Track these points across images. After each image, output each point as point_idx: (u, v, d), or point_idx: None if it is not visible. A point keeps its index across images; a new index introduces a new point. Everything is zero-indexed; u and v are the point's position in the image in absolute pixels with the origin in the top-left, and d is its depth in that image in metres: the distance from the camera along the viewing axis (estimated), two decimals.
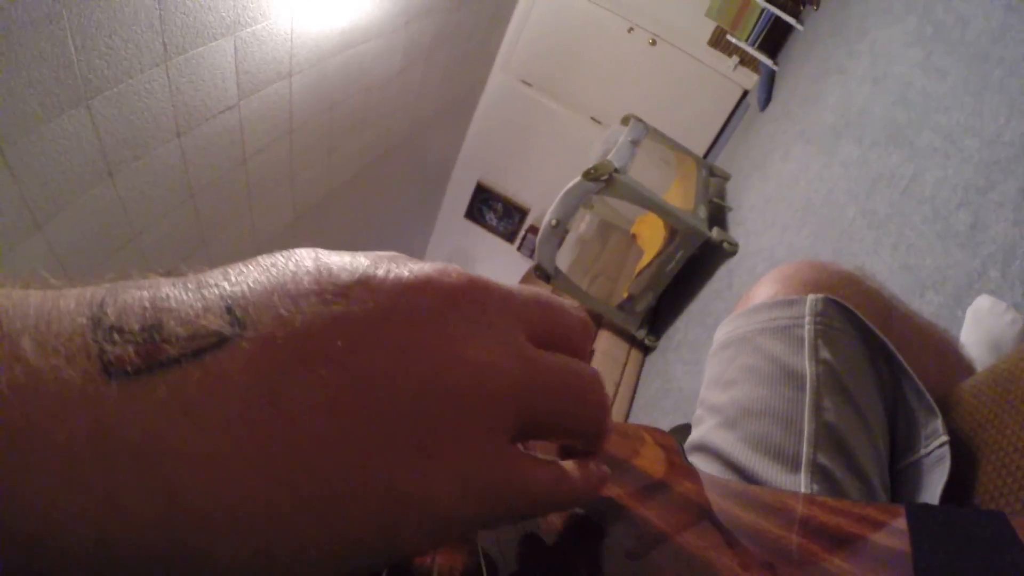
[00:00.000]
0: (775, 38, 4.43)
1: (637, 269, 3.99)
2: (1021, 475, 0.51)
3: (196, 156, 2.34)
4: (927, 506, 0.28)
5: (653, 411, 3.20)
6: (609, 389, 3.63)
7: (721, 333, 0.72)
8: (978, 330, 1.26)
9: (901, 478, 0.58)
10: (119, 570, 0.17)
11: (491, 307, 0.24)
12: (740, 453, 0.57)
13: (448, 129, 5.56)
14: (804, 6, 4.21)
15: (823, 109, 3.05)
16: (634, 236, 4.66)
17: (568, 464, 0.27)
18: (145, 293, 0.19)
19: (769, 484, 0.54)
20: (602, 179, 3.35)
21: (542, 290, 0.26)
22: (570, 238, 5.05)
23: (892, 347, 0.60)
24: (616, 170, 3.37)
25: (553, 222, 3.47)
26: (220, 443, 0.17)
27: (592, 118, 5.77)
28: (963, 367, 0.83)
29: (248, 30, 2.23)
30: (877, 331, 0.60)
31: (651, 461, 0.46)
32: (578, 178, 3.38)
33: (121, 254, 2.21)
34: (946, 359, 0.81)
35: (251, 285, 0.20)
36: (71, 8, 1.52)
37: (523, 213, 6.57)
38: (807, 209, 2.61)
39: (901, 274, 1.70)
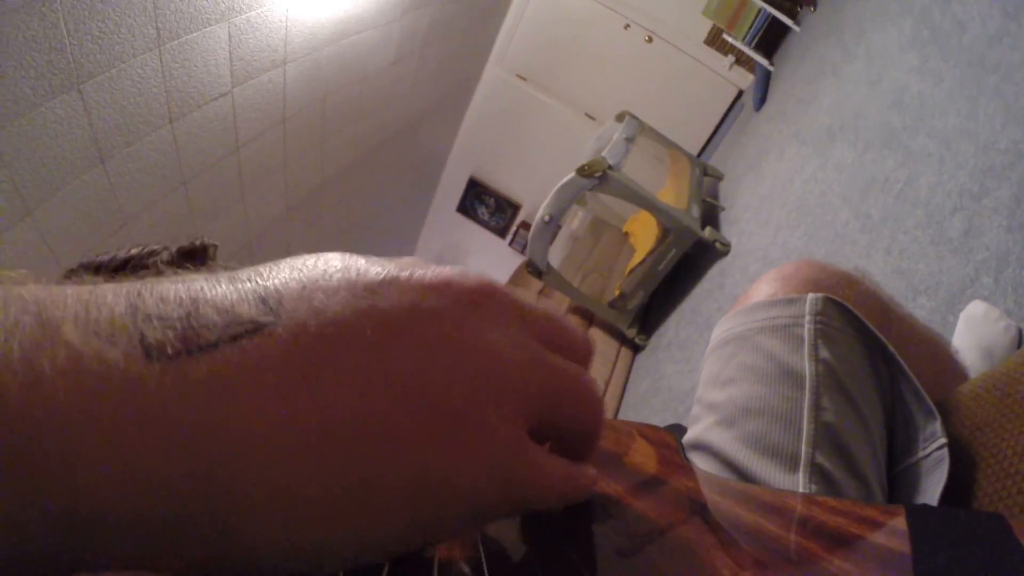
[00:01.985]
0: (771, 38, 4.44)
1: (629, 267, 4.00)
2: (1021, 479, 0.51)
3: (188, 143, 2.32)
4: (926, 507, 0.29)
5: (642, 409, 3.21)
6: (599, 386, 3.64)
7: (719, 331, 0.72)
8: (971, 336, 1.27)
9: (899, 480, 0.58)
10: (155, 542, 0.17)
11: (506, 309, 0.25)
12: (738, 452, 0.57)
13: (442, 122, 5.55)
14: (801, 7, 4.22)
15: (818, 111, 3.06)
16: (626, 234, 4.66)
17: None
18: (180, 286, 0.20)
19: (767, 483, 0.54)
20: (596, 176, 3.34)
21: (552, 308, 0.27)
22: (562, 234, 5.05)
23: (891, 348, 0.60)
24: (610, 167, 3.37)
25: (546, 218, 3.47)
26: (257, 423, 0.18)
27: (586, 114, 5.76)
28: (957, 372, 0.83)
29: (243, 16, 2.21)
30: (877, 332, 0.60)
31: (647, 458, 0.46)
32: (572, 174, 3.37)
33: (111, 241, 2.18)
34: (941, 363, 0.81)
35: (284, 279, 0.22)
36: None
37: (515, 208, 6.56)
38: (801, 210, 2.62)
39: (894, 278, 1.70)
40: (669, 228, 3.48)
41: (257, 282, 0.21)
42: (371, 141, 4.02)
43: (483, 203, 6.65)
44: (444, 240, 6.91)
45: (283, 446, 0.18)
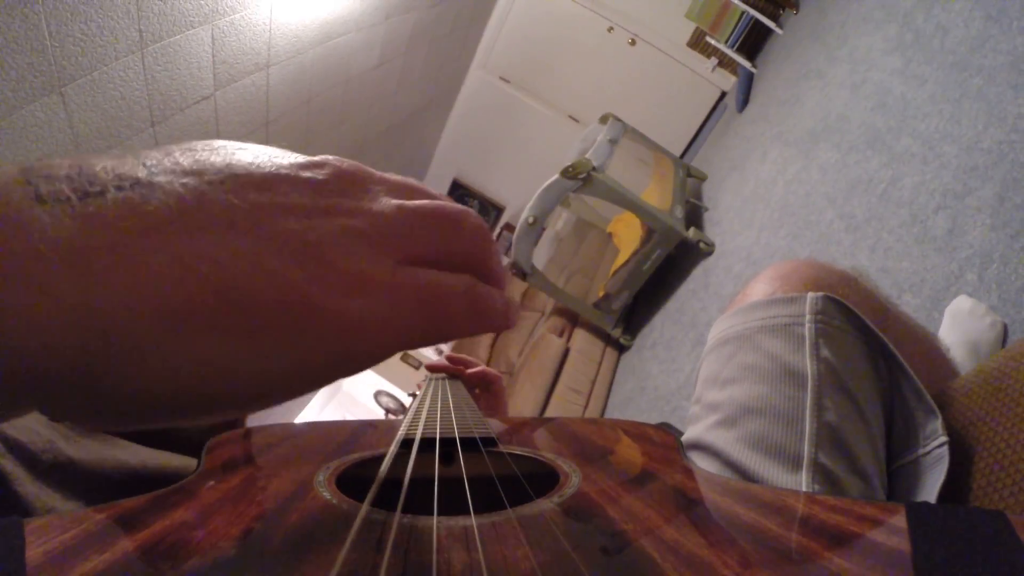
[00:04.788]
0: (754, 41, 4.48)
1: (613, 268, 4.01)
2: (1014, 471, 0.52)
3: None
4: (927, 505, 0.28)
5: (628, 409, 3.22)
6: (584, 387, 3.64)
7: (717, 330, 0.71)
8: (957, 331, 1.28)
9: (898, 476, 0.58)
10: (63, 364, 0.19)
11: (359, 183, 0.28)
12: (739, 452, 0.56)
13: (425, 124, 5.54)
14: (783, 10, 4.26)
15: (801, 112, 3.08)
16: (611, 235, 4.67)
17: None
18: (70, 159, 0.22)
19: (769, 483, 0.53)
20: (580, 177, 3.35)
21: (426, 202, 0.29)
22: (547, 236, 5.06)
23: (892, 347, 0.60)
24: (594, 168, 3.38)
25: (530, 219, 3.47)
26: (142, 246, 0.20)
27: (570, 116, 5.78)
28: (949, 370, 0.84)
29: (226, 19, 2.19)
30: (877, 331, 0.60)
31: (647, 457, 0.46)
32: (556, 176, 3.38)
33: None
34: (935, 361, 0.82)
35: (165, 150, 0.24)
36: None
37: (499, 210, 6.56)
38: (784, 211, 2.64)
39: (879, 277, 1.72)
40: (653, 229, 3.49)
41: (137, 153, 0.23)
42: (355, 144, 4.00)
43: (467, 205, 6.63)
44: None
45: (166, 266, 0.20)
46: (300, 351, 0.23)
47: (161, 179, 0.22)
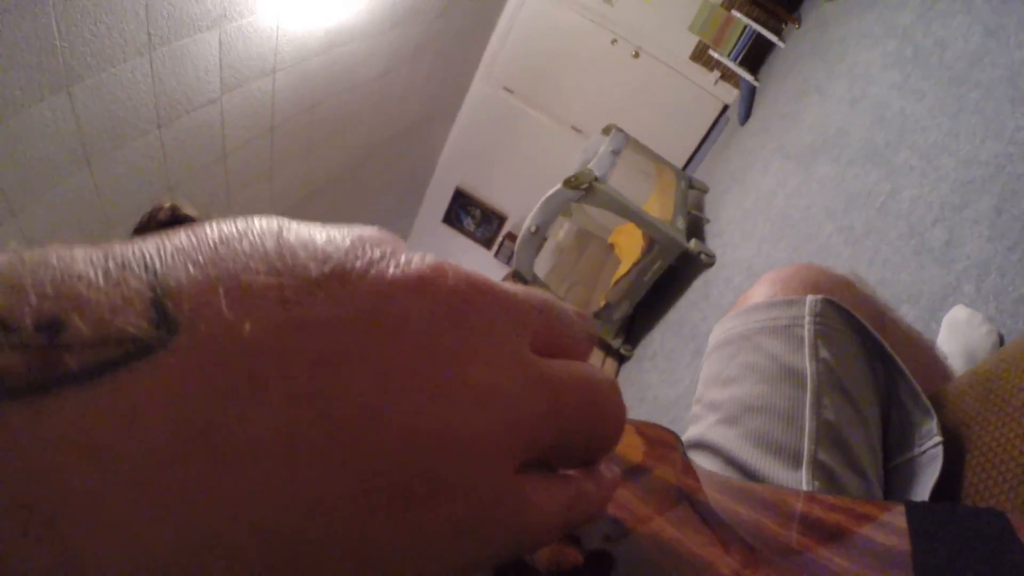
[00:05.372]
0: (756, 54, 4.50)
1: (614, 278, 4.01)
2: (1006, 470, 0.53)
3: (176, 149, 2.31)
4: (927, 504, 0.28)
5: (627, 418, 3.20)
6: None
7: (718, 332, 0.73)
8: (954, 340, 1.29)
9: (894, 475, 0.59)
10: None
11: (495, 316, 0.19)
12: (741, 450, 0.57)
13: (429, 133, 5.55)
14: (786, 24, 4.28)
15: (802, 126, 3.09)
16: (612, 245, 4.68)
17: (577, 474, 0.22)
18: (50, 272, 0.14)
19: (770, 481, 0.54)
20: (582, 187, 3.36)
21: (544, 292, 0.22)
22: (548, 245, 5.05)
23: (889, 348, 0.61)
24: (596, 179, 3.39)
25: (532, 229, 3.48)
26: (130, 492, 0.13)
27: (573, 127, 5.79)
28: (945, 375, 0.85)
29: (234, 24, 2.21)
30: (875, 333, 0.62)
31: (646, 456, 0.46)
32: (559, 186, 3.39)
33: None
34: (931, 364, 0.83)
35: (190, 270, 0.15)
36: None
37: (501, 219, 6.56)
38: (784, 223, 2.65)
39: (878, 288, 1.72)
40: (655, 240, 3.50)
41: (155, 271, 0.15)
42: (358, 151, 4.01)
43: (469, 214, 6.65)
44: (429, 251, 6.85)
45: (165, 522, 0.13)
46: None
47: (180, 341, 0.14)
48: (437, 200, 6.62)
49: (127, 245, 0.16)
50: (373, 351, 0.16)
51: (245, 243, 0.16)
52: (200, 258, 0.16)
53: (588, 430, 0.21)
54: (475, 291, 0.19)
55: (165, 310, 0.14)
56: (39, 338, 0.13)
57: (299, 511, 0.14)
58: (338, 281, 0.16)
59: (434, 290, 0.18)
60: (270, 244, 0.17)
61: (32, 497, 0.12)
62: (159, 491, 0.13)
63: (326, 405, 0.15)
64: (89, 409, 0.13)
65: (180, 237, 0.16)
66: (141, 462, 0.13)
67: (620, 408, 0.22)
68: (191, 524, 0.13)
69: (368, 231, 0.19)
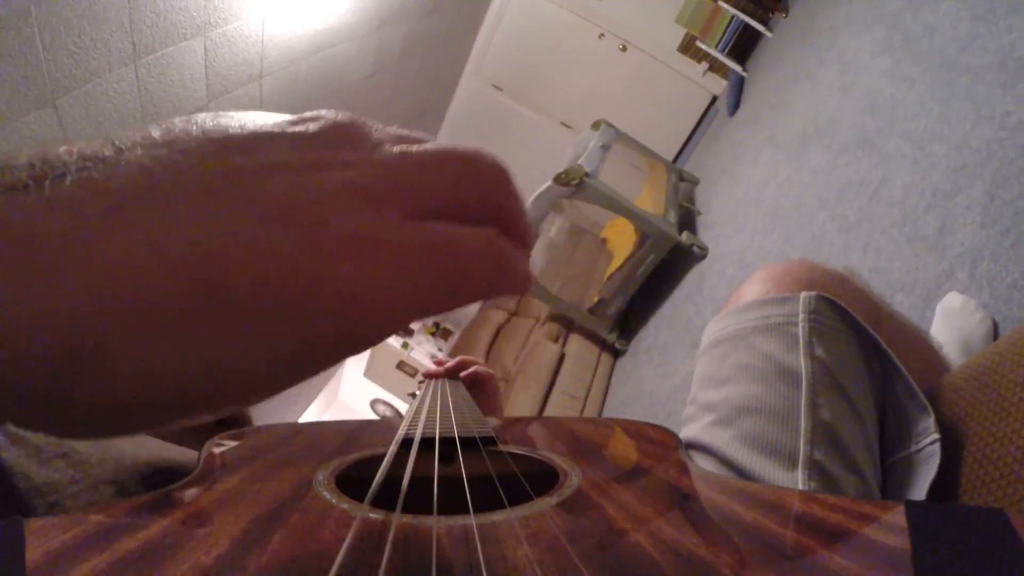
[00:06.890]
0: (744, 45, 4.50)
1: (607, 273, 4.01)
2: (1002, 464, 0.52)
3: None
4: (927, 504, 0.28)
5: (624, 413, 3.21)
6: (580, 392, 3.63)
7: (711, 331, 0.72)
8: (948, 328, 1.29)
9: (891, 473, 0.58)
10: (24, 376, 0.17)
11: (367, 133, 0.25)
12: (736, 451, 0.57)
13: (419, 132, 5.54)
14: (772, 13, 4.28)
15: (792, 115, 3.09)
16: (604, 240, 4.68)
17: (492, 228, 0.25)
18: (36, 148, 0.20)
19: (766, 481, 0.54)
20: (573, 183, 3.36)
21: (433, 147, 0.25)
22: (540, 242, 5.05)
23: (885, 345, 0.60)
24: (587, 174, 3.38)
25: None
26: (101, 230, 0.18)
27: (562, 123, 5.78)
28: (941, 367, 0.84)
29: (219, 31, 2.19)
30: (870, 329, 0.61)
31: (645, 456, 0.46)
32: (549, 182, 3.38)
33: None
34: (927, 359, 0.82)
35: (140, 128, 0.21)
36: (40, 5, 1.48)
37: None
38: (776, 213, 2.65)
39: (871, 277, 1.72)
40: (647, 234, 3.50)
41: (105, 134, 0.20)
42: None
43: None
44: None
45: (127, 249, 0.18)
46: (297, 334, 0.20)
47: (129, 155, 0.19)
48: None
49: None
50: (267, 146, 0.22)
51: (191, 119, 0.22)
52: (147, 125, 0.22)
53: (463, 186, 0.25)
54: (345, 120, 0.25)
55: (116, 143, 0.20)
56: (31, 166, 0.19)
57: (223, 236, 0.19)
58: (255, 130, 0.23)
59: (312, 116, 0.24)
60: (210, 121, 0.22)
61: (23, 239, 0.17)
62: (115, 224, 0.18)
63: (231, 171, 0.20)
64: (66, 186, 0.18)
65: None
66: (103, 207, 0.18)
67: (494, 164, 0.27)
68: (141, 245, 0.18)
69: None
